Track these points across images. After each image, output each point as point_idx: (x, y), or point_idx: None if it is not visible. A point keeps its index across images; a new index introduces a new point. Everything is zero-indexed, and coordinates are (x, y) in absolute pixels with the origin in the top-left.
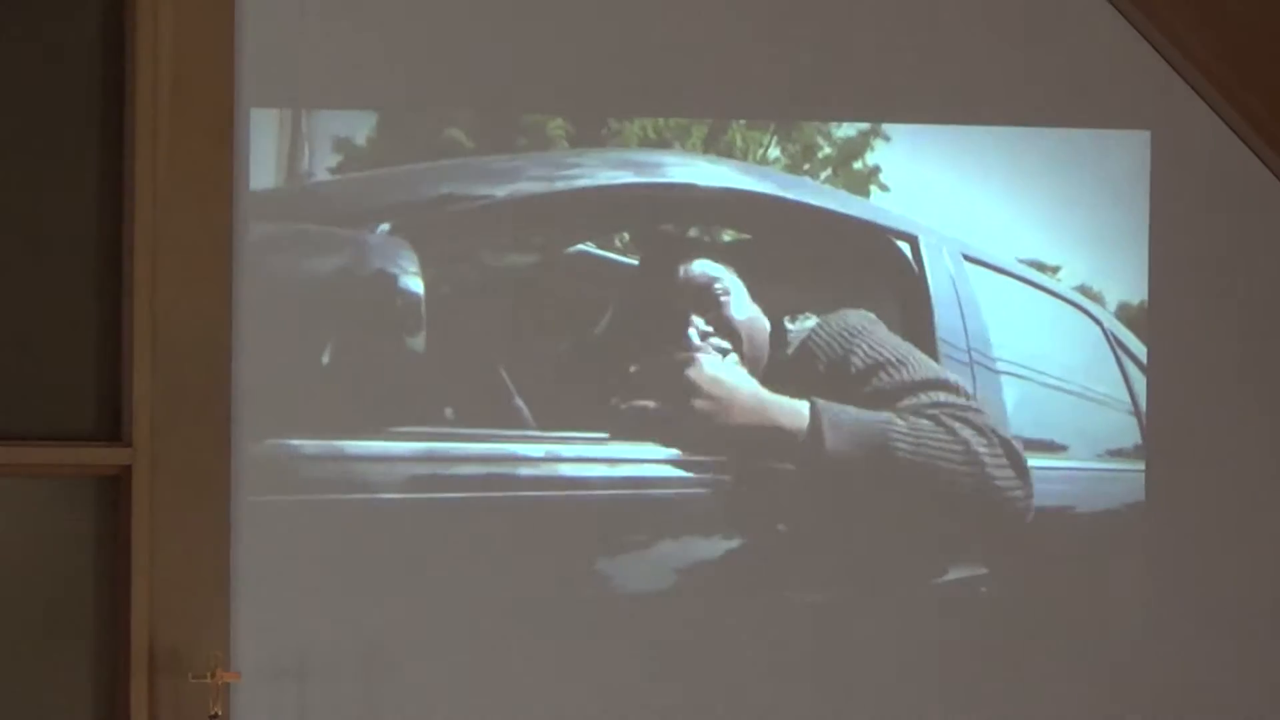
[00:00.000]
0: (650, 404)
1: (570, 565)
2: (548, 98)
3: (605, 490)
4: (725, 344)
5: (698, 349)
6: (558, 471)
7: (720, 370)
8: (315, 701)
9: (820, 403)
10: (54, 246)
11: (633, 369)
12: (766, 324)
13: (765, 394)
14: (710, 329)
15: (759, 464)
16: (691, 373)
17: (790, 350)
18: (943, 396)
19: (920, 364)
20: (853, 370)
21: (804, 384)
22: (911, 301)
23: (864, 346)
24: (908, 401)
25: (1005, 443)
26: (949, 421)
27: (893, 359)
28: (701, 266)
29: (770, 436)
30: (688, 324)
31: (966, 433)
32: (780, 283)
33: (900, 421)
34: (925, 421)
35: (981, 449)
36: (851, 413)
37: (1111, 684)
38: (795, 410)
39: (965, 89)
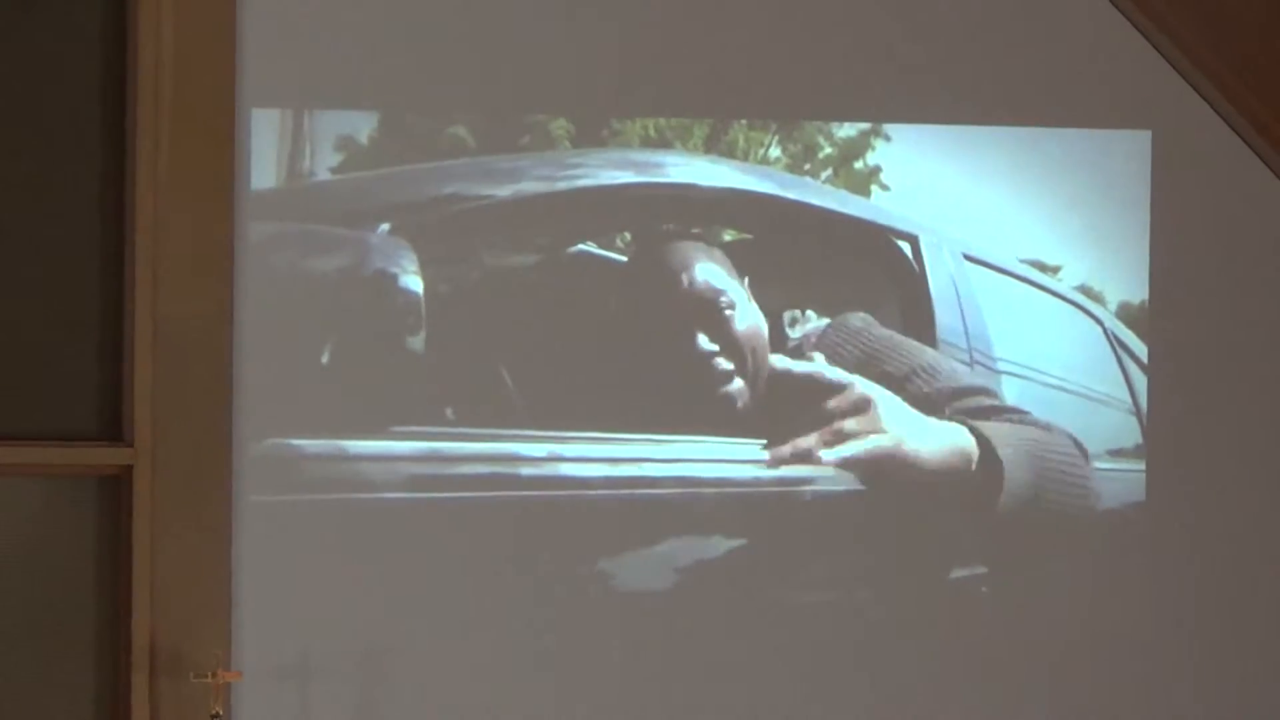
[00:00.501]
0: (651, 403)
1: (572, 564)
2: (550, 98)
3: (607, 490)
4: (729, 365)
5: (702, 352)
6: (559, 471)
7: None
8: (316, 701)
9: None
10: (55, 246)
11: (633, 368)
12: (766, 337)
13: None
14: (715, 347)
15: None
16: (693, 373)
17: (803, 357)
18: (986, 401)
19: (953, 368)
20: (883, 375)
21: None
22: (912, 301)
23: (886, 350)
24: (957, 405)
25: (1077, 443)
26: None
27: (926, 364)
28: (705, 274)
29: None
30: (691, 327)
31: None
32: (781, 282)
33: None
34: (991, 425)
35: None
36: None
37: (1112, 684)
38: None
39: (965, 89)
